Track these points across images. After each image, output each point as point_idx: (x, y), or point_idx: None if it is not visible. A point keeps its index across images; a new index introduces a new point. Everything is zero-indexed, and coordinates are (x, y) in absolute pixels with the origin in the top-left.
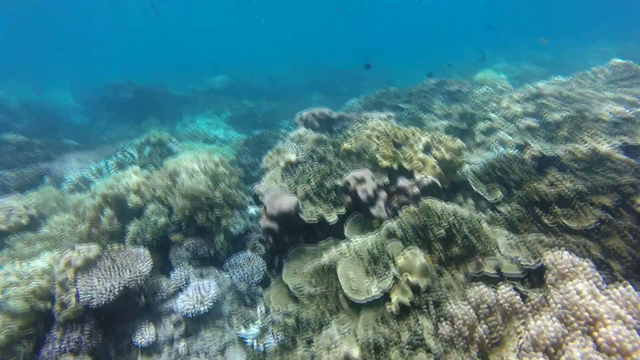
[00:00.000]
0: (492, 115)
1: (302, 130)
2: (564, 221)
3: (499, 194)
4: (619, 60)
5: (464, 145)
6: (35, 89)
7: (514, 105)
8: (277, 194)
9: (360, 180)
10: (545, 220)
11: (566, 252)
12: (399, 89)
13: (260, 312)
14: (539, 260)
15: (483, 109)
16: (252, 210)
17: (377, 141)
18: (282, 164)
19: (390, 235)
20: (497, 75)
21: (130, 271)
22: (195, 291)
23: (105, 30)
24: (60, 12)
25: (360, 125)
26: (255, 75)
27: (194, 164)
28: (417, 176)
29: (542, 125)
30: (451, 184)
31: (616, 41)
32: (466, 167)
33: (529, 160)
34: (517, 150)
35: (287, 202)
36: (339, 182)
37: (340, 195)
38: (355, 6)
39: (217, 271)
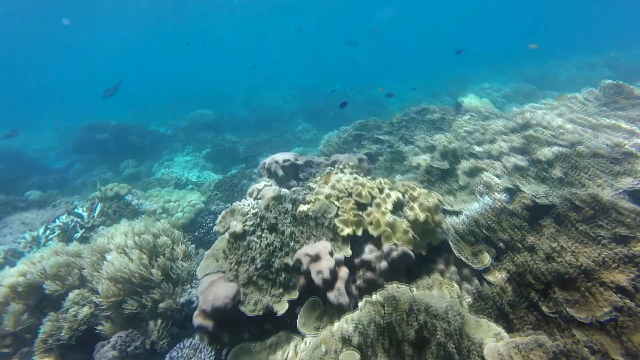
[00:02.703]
0: (477, 148)
1: (261, 184)
2: (568, 310)
3: (487, 259)
4: (609, 81)
5: (441, 200)
6: (5, 133)
7: (499, 138)
8: (212, 282)
9: (315, 258)
10: (544, 308)
11: None
12: (379, 120)
13: None
14: None
15: (467, 140)
16: None
17: (338, 203)
18: (226, 235)
19: (346, 341)
20: (480, 101)
21: None
22: None
23: (89, 68)
24: (41, 51)
25: (325, 174)
26: (241, 105)
27: (126, 239)
28: (385, 246)
29: (532, 162)
30: (429, 246)
31: (601, 53)
32: (447, 222)
33: (520, 210)
34: (505, 195)
35: (223, 293)
36: (290, 261)
37: (292, 275)
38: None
39: None
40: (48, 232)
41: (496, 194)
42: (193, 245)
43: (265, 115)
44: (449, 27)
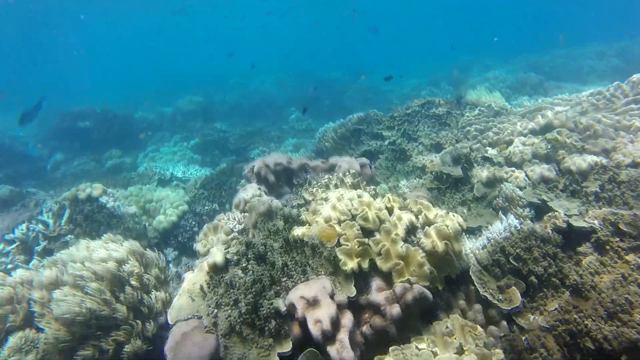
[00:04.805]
0: (491, 151)
1: (249, 192)
2: None
3: (517, 298)
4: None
5: (462, 225)
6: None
7: (517, 140)
8: (185, 335)
9: (312, 303)
10: None
11: None
12: (379, 113)
13: None
14: None
15: (479, 140)
16: None
17: (339, 228)
18: (205, 265)
19: None
20: (491, 95)
21: None
22: None
23: (73, 52)
24: (26, 35)
25: (322, 184)
26: (233, 90)
27: (82, 269)
28: (398, 285)
29: (561, 172)
30: (447, 279)
31: (610, 42)
32: (466, 246)
33: (552, 234)
34: (530, 211)
35: (197, 353)
36: (282, 305)
37: (285, 321)
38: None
39: None
40: (3, 245)
41: (519, 209)
42: (173, 270)
43: (258, 102)
44: (450, 14)
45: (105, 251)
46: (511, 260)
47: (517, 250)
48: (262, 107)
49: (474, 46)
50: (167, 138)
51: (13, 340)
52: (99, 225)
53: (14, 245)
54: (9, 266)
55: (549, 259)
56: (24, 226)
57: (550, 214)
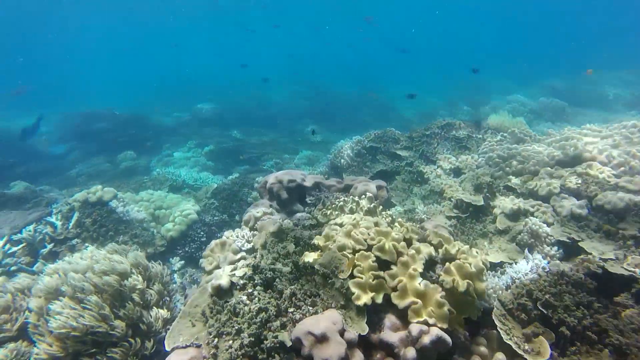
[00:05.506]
0: (514, 180)
1: (260, 210)
2: None
3: (546, 349)
4: None
5: (487, 263)
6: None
7: (543, 171)
8: None
9: (320, 339)
10: None
11: None
12: (397, 132)
13: None
14: None
15: (501, 168)
16: None
17: (354, 258)
18: (208, 287)
19: None
20: (514, 120)
21: None
22: None
23: (92, 55)
24: (43, 36)
25: (336, 206)
26: (250, 100)
27: (82, 281)
28: (414, 326)
29: (593, 210)
30: (466, 320)
31: (637, 69)
32: (489, 286)
33: (585, 279)
34: (558, 249)
35: None
36: (287, 339)
37: (290, 356)
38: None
39: None
40: (8, 245)
41: (545, 246)
42: (177, 282)
43: (274, 113)
44: (468, 33)
45: (109, 262)
46: (539, 307)
47: (546, 296)
48: (277, 119)
49: (492, 67)
50: (181, 143)
51: (3, 352)
52: (107, 230)
53: (20, 246)
54: (13, 268)
55: (583, 308)
56: (31, 227)
57: (582, 256)
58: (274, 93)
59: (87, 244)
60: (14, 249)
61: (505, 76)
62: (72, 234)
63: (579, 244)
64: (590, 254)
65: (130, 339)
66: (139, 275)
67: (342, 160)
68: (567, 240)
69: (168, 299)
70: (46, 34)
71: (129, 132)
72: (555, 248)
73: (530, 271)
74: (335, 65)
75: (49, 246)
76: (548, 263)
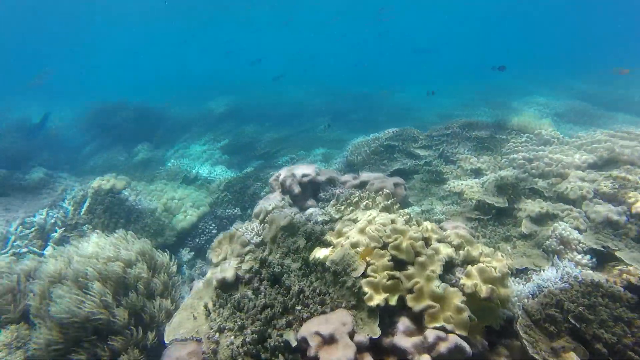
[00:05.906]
0: (540, 183)
1: (271, 203)
2: None
3: None
4: None
5: (513, 268)
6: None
7: (573, 174)
8: None
9: (328, 340)
10: None
11: None
12: (416, 130)
13: None
14: None
15: (527, 170)
16: None
17: (367, 256)
18: (213, 280)
19: None
20: (540, 121)
21: None
22: None
23: (111, 49)
24: (65, 29)
25: (351, 202)
26: (267, 97)
27: (87, 267)
28: (431, 332)
29: (631, 217)
30: (487, 331)
31: None
32: (513, 293)
33: (623, 292)
34: (591, 258)
35: None
36: (293, 338)
37: (294, 357)
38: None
39: None
40: (20, 228)
41: (576, 254)
42: (186, 273)
43: (290, 110)
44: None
45: (114, 249)
46: (570, 319)
47: (580, 308)
48: (293, 115)
49: (512, 69)
50: (197, 136)
51: (5, 334)
52: (118, 218)
53: (32, 230)
54: (23, 250)
55: (621, 323)
56: (44, 211)
57: (621, 267)
58: (289, 91)
59: (97, 231)
60: (27, 232)
61: (526, 78)
62: (83, 220)
63: (616, 253)
64: (631, 265)
65: (132, 329)
66: (144, 264)
67: (359, 157)
68: (602, 249)
69: (173, 290)
70: (73, 29)
71: (147, 125)
72: (588, 257)
73: (559, 280)
74: (353, 66)
75: (60, 230)
76: (580, 272)
